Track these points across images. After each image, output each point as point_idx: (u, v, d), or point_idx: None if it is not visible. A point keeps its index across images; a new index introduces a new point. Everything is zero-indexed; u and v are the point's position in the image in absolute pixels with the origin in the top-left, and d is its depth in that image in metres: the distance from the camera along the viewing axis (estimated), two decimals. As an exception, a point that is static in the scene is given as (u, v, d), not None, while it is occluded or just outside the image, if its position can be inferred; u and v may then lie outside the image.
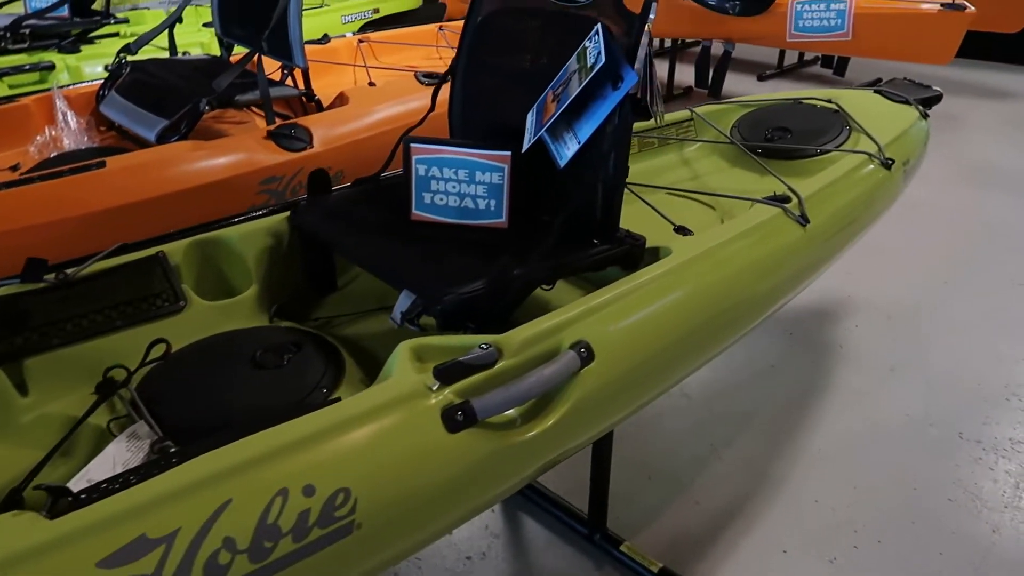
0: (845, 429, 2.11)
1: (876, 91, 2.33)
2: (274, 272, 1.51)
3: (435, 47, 3.09)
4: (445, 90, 1.67)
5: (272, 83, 2.29)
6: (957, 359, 2.41)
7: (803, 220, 1.58)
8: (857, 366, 2.39)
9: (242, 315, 1.45)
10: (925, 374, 2.35)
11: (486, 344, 1.08)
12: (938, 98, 2.44)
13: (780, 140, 2.08)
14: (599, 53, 1.26)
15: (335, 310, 1.55)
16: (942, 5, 3.71)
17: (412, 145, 1.38)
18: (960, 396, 2.24)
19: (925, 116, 2.23)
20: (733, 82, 5.44)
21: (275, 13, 2.16)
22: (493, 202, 1.38)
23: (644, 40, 1.24)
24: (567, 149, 1.33)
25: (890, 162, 1.87)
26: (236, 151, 2.09)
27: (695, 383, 2.26)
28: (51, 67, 2.98)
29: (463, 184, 1.38)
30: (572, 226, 1.37)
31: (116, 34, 3.59)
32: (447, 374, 1.04)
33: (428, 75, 2.48)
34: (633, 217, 1.50)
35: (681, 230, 1.56)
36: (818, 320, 2.65)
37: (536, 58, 1.51)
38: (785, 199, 1.62)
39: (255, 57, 2.24)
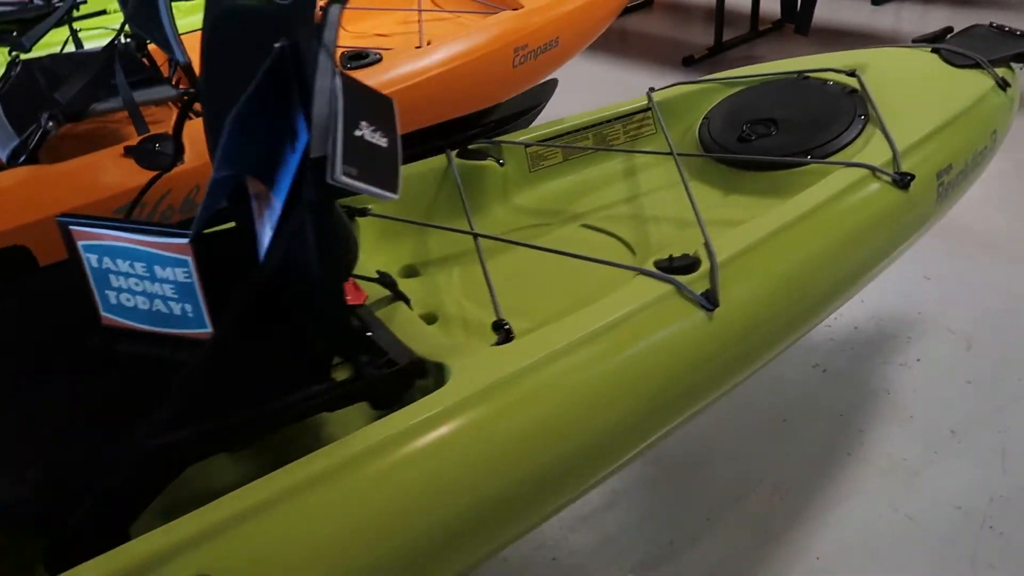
0: (864, 527, 1.55)
1: (935, 49, 1.64)
2: None
3: (416, 10, 2.58)
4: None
5: (144, 83, 1.91)
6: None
7: (707, 303, 1.01)
8: (906, 425, 1.77)
9: None
10: (1002, 442, 1.71)
11: None
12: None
13: (759, 139, 1.47)
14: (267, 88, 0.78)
15: None
16: None
17: (71, 228, 0.94)
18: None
19: (1004, 86, 1.53)
20: (841, 8, 4.53)
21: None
22: (188, 306, 0.94)
23: (323, 64, 0.74)
24: (264, 232, 0.86)
25: (908, 178, 1.23)
26: (83, 174, 1.74)
27: (667, 451, 1.75)
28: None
29: (145, 282, 0.94)
30: (299, 344, 0.91)
31: (104, 11, 3.32)
32: None
33: (354, 56, 2.01)
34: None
35: (500, 327, 1.02)
36: (868, 346, 2.03)
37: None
38: (689, 265, 1.06)
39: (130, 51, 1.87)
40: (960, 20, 4.50)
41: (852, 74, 1.53)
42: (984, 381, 1.86)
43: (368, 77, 1.90)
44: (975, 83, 1.50)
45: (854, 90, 1.50)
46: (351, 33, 2.53)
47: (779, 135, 1.46)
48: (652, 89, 1.66)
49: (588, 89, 3.87)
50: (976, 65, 1.56)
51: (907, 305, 2.13)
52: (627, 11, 4.90)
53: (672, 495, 1.67)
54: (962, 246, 2.33)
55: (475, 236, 1.23)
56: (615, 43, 4.48)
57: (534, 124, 2.20)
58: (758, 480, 1.68)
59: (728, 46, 4.07)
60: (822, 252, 1.13)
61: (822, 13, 4.47)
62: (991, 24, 1.71)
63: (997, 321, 2.03)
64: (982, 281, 2.19)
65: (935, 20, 4.22)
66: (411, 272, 1.32)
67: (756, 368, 1.12)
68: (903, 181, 1.22)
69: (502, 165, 1.52)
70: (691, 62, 3.95)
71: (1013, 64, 1.70)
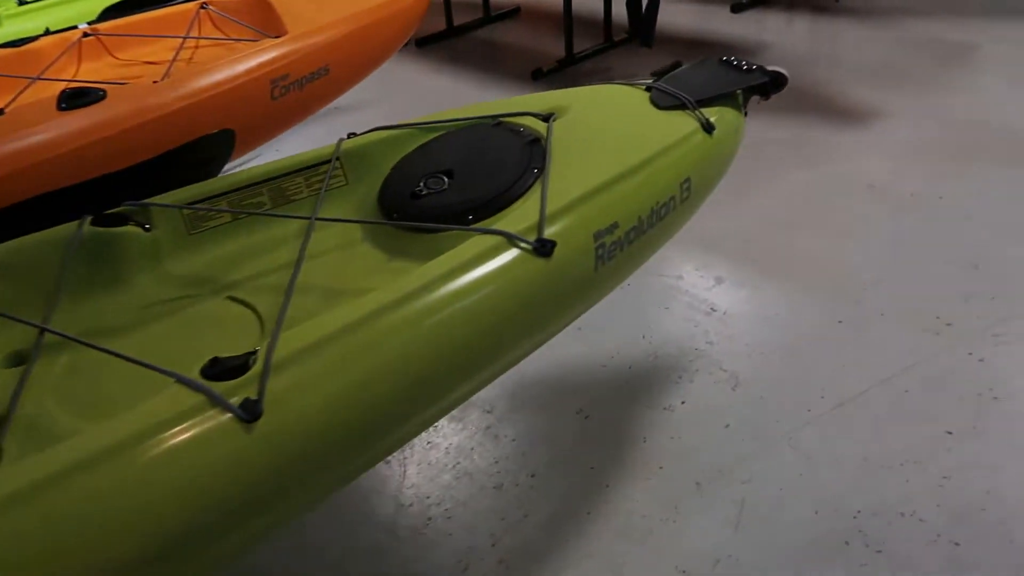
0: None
1: (648, 88, 1.56)
2: None
3: (195, 39, 2.42)
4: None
5: None
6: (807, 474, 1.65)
7: (244, 415, 0.87)
8: (654, 478, 1.68)
9: None
10: (744, 494, 1.64)
11: None
12: (775, 83, 1.64)
13: (429, 196, 1.36)
14: None
15: None
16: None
17: None
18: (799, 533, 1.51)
19: (709, 128, 1.45)
20: (699, 16, 4.51)
21: None
22: None
23: None
24: None
25: (548, 246, 1.12)
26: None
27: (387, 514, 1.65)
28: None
29: None
30: None
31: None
32: None
33: (75, 94, 1.85)
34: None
35: None
36: (638, 388, 1.93)
37: None
38: (238, 367, 0.93)
39: None
40: (820, 28, 4.55)
41: (547, 119, 1.44)
42: (741, 425, 1.80)
43: (84, 118, 1.75)
44: (673, 127, 1.42)
45: (535, 139, 1.40)
46: (120, 61, 2.37)
47: (451, 191, 1.36)
48: (351, 135, 1.54)
49: (426, 104, 3.77)
50: (681, 106, 1.48)
51: (688, 340, 2.07)
52: (493, 19, 4.82)
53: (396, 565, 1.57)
54: (751, 277, 2.28)
55: (41, 330, 1.11)
56: (471, 54, 4.39)
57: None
58: (489, 546, 1.59)
59: (580, 58, 4.00)
60: (427, 339, 1.02)
61: (683, 22, 4.45)
62: (721, 58, 1.64)
63: (767, 359, 1.98)
64: (763, 315, 2.14)
65: (796, 29, 4.23)
66: (19, 360, 1.19)
67: (317, 492, 0.98)
68: (543, 249, 1.12)
69: (148, 230, 1.37)
70: (540, 75, 3.87)
71: (744, 100, 1.63)
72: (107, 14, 2.66)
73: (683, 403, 1.88)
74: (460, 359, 1.04)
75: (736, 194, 2.68)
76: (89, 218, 1.35)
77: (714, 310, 2.16)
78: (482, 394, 1.94)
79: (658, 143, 1.36)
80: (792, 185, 2.74)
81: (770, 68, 1.61)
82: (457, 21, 4.71)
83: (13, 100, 1.94)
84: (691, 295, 2.24)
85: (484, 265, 1.08)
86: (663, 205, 1.31)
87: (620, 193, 1.24)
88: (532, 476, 1.73)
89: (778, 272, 2.29)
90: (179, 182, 1.46)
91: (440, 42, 4.60)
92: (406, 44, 4.59)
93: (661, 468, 1.72)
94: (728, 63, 1.61)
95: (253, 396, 0.87)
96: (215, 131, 1.85)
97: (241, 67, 1.99)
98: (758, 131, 3.00)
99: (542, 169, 1.29)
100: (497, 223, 1.18)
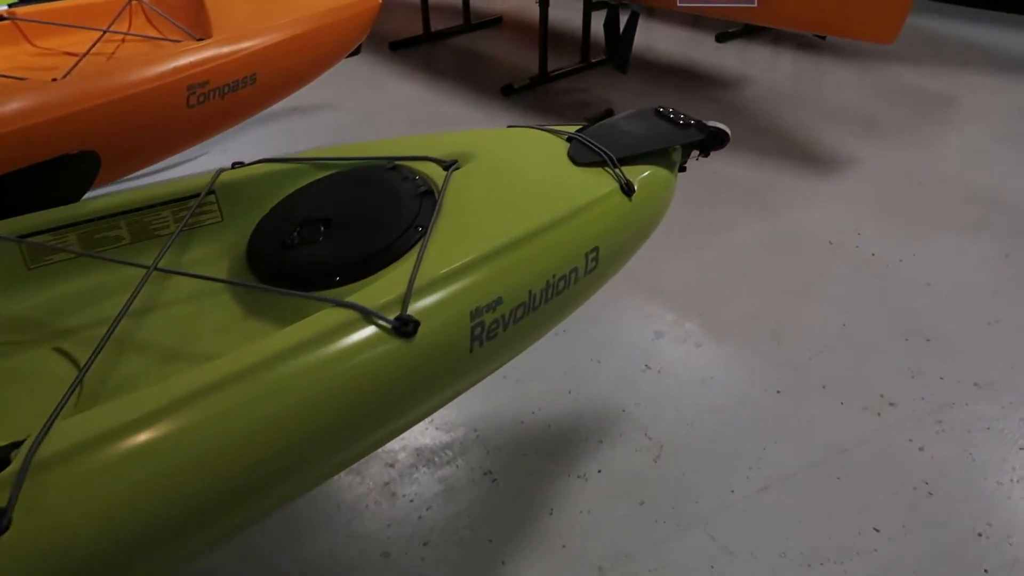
0: None
1: (570, 138, 1.43)
2: None
3: (119, 33, 2.25)
4: None
5: None
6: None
7: None
8: (554, 557, 1.52)
9: None
10: None
11: None
12: (715, 140, 1.50)
13: (300, 247, 1.21)
14: None
15: None
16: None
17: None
18: None
19: (629, 191, 1.31)
20: (684, 44, 4.39)
21: None
22: None
23: None
24: None
25: (411, 325, 0.98)
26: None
27: None
28: None
29: None
30: None
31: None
32: None
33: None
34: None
35: None
36: (555, 450, 1.77)
37: None
38: None
39: None
40: (803, 66, 4.42)
41: (448, 166, 1.30)
42: (658, 502, 1.67)
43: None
44: (586, 187, 1.28)
45: (428, 190, 1.26)
46: (37, 50, 2.21)
47: (325, 243, 1.21)
48: (236, 164, 1.39)
49: (391, 111, 3.64)
50: (601, 162, 1.34)
51: (616, 399, 1.93)
52: (474, 27, 4.67)
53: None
54: (692, 333, 2.16)
55: None
56: (445, 62, 4.25)
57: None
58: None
59: (553, 76, 3.87)
60: (259, 426, 0.87)
61: (666, 48, 4.33)
62: (658, 109, 1.51)
63: (695, 428, 1.85)
64: (699, 376, 2.01)
65: (780, 64, 4.12)
66: None
67: None
68: (404, 328, 0.98)
69: None
70: (511, 91, 3.73)
71: (684, 156, 1.49)
72: (30, -5, 2.48)
73: (599, 472, 1.74)
74: (297, 449, 0.90)
75: (689, 240, 2.55)
76: None
77: (648, 367, 2.03)
78: (388, 444, 1.80)
79: (565, 205, 1.22)
80: (750, 235, 2.61)
81: (710, 124, 1.48)
82: (436, 27, 4.57)
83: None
84: (627, 348, 2.10)
85: (334, 343, 0.94)
86: (562, 278, 1.17)
87: (509, 263, 1.10)
88: (425, 545, 1.59)
89: (722, 330, 2.16)
90: (45, 201, 1.31)
91: (416, 47, 4.45)
92: (379, 46, 4.47)
93: (564, 547, 1.58)
94: (665, 115, 1.48)
95: (2, 504, 0.72)
96: (76, 151, 1.65)
97: (156, 69, 1.84)
98: (720, 167, 2.87)
99: (426, 229, 1.15)
100: (364, 289, 1.04)
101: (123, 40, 2.23)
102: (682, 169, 1.53)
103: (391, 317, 0.98)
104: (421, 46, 4.47)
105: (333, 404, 0.92)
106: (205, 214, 1.34)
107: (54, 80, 1.75)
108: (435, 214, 1.17)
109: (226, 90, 1.97)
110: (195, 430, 0.83)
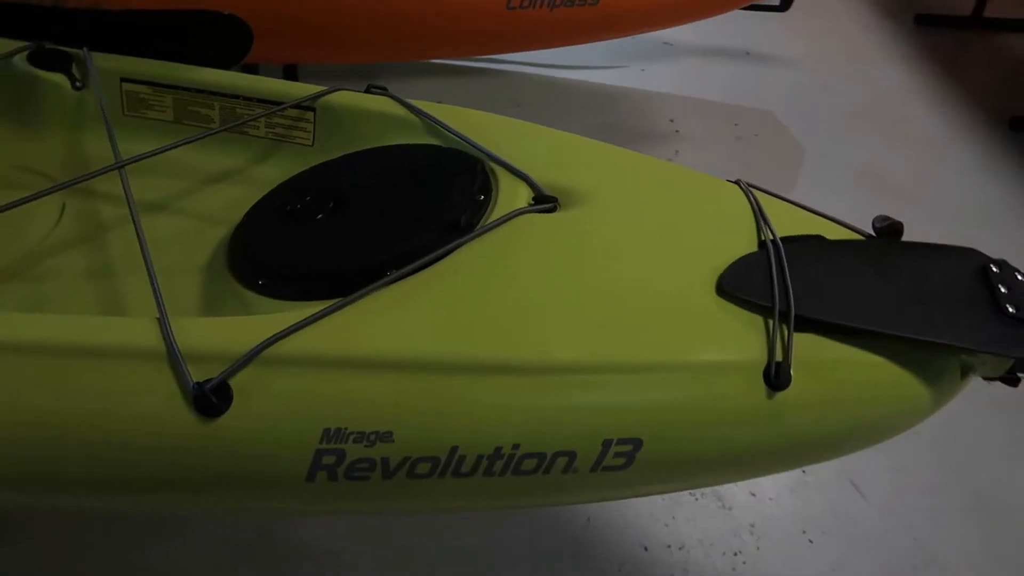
0: None
1: (779, 242, 0.90)
2: None
3: None
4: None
5: None
6: None
7: None
8: None
9: None
10: None
11: None
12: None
13: (295, 220, 0.99)
14: None
15: None
16: None
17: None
18: None
19: (776, 379, 0.79)
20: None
21: None
22: None
23: None
24: None
25: (215, 395, 0.73)
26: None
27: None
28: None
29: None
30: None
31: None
32: None
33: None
34: None
35: None
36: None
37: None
38: None
39: None
40: None
41: (541, 202, 0.94)
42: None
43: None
44: (693, 336, 0.82)
45: (470, 225, 0.92)
46: None
47: (314, 227, 0.97)
48: (372, 88, 1.16)
49: (857, 124, 2.74)
50: (764, 309, 0.82)
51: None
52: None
53: None
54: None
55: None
56: (969, 64, 3.33)
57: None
58: None
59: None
60: None
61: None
62: (990, 265, 0.88)
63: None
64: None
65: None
66: None
67: None
68: (205, 400, 0.73)
69: (78, 88, 1.19)
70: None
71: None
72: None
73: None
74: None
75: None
76: (28, 47, 1.18)
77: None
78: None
79: (623, 346, 0.79)
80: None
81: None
82: (994, 12, 3.57)
83: None
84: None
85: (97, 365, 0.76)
86: (532, 456, 0.76)
87: (451, 387, 0.76)
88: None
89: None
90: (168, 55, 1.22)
91: (952, 30, 3.56)
92: (903, 12, 3.49)
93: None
94: (994, 283, 0.84)
95: None
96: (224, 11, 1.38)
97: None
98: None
99: (400, 274, 0.83)
100: (278, 312, 0.81)
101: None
102: (1011, 381, 0.85)
103: (195, 381, 0.71)
104: (962, 31, 3.56)
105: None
106: (298, 131, 1.17)
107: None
108: (448, 252, 0.85)
109: (557, 2, 1.88)
110: None
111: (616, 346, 0.79)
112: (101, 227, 1.00)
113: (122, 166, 0.98)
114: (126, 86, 1.19)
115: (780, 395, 0.80)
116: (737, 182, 1.03)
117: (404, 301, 0.81)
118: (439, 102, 1.14)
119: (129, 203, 0.91)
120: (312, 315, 0.77)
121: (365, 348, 0.76)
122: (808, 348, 0.81)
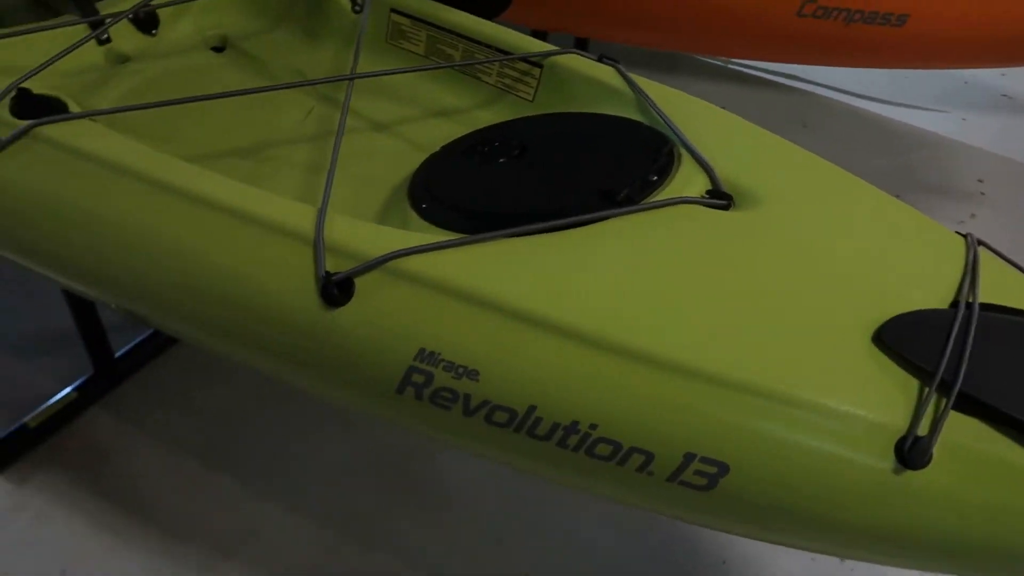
0: None
1: (963, 305, 0.76)
2: None
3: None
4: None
5: None
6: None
7: None
8: None
9: None
10: None
11: None
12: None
13: (478, 163, 1.03)
14: None
15: None
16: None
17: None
18: None
19: (911, 455, 0.68)
20: None
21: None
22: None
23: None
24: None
25: (340, 288, 0.80)
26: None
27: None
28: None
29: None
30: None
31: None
32: None
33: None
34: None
35: None
36: None
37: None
38: None
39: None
40: None
41: (716, 196, 0.90)
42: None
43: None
44: (835, 384, 0.72)
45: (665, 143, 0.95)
46: None
47: (493, 168, 1.02)
48: (604, 58, 1.18)
49: None
50: (925, 374, 0.71)
51: None
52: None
53: None
54: None
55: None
56: None
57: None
58: None
59: None
60: None
61: None
62: None
63: None
64: None
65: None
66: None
67: None
68: (330, 291, 0.80)
69: (357, 11, 1.32)
70: None
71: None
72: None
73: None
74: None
75: None
76: None
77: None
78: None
79: (749, 372, 0.72)
80: None
81: None
82: None
83: None
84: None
85: None
86: (617, 452, 0.74)
87: (551, 349, 0.75)
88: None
89: None
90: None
91: None
92: None
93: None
94: None
95: None
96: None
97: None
98: None
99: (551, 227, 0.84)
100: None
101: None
102: None
103: (326, 270, 0.80)
104: None
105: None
106: (523, 84, 1.21)
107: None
108: (594, 220, 0.85)
109: (855, 16, 1.71)
110: None
111: (730, 359, 0.74)
112: (332, 132, 1.11)
113: (352, 79, 1.07)
114: (393, 16, 1.32)
115: (909, 474, 0.69)
116: (967, 236, 0.87)
117: (533, 253, 0.81)
118: (723, 107, 1.13)
119: (343, 112, 1.00)
120: (444, 241, 0.79)
121: (478, 284, 0.79)
122: (963, 432, 0.70)
